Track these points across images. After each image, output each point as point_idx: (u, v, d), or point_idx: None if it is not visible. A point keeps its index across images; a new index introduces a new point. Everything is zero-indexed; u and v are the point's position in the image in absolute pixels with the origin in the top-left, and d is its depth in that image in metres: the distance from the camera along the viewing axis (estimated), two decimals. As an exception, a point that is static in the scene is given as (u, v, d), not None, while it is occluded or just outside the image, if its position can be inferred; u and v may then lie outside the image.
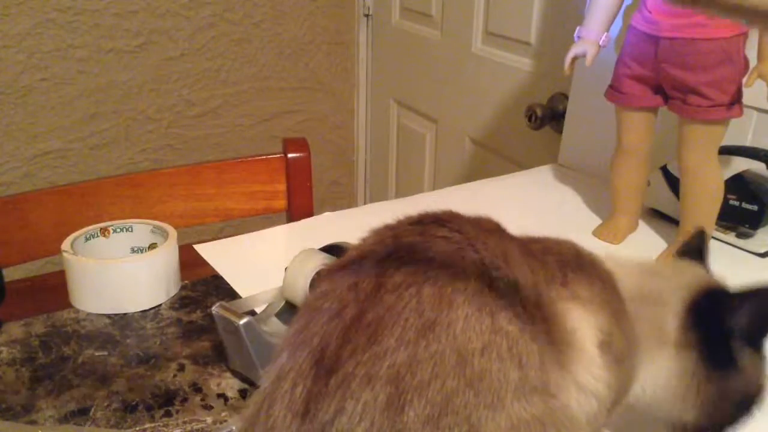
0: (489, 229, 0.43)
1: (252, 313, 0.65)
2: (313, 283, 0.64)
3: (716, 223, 0.85)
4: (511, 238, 0.44)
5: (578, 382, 0.40)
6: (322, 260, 0.65)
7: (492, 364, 0.34)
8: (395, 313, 0.35)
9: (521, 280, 0.39)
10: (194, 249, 0.86)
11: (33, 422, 0.57)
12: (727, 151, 0.88)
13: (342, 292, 0.37)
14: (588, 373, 0.41)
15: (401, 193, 1.93)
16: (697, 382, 0.46)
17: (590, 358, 0.41)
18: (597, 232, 0.92)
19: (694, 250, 0.55)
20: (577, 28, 0.89)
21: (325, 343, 0.35)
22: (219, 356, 0.65)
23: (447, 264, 0.37)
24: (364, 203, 2.09)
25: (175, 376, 0.63)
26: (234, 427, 0.56)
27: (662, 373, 0.46)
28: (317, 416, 0.33)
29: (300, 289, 0.64)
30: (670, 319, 0.47)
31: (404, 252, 0.38)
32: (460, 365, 0.34)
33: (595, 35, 0.87)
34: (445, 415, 0.33)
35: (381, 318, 0.35)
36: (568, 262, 0.44)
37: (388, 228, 0.42)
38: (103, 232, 0.79)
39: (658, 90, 0.84)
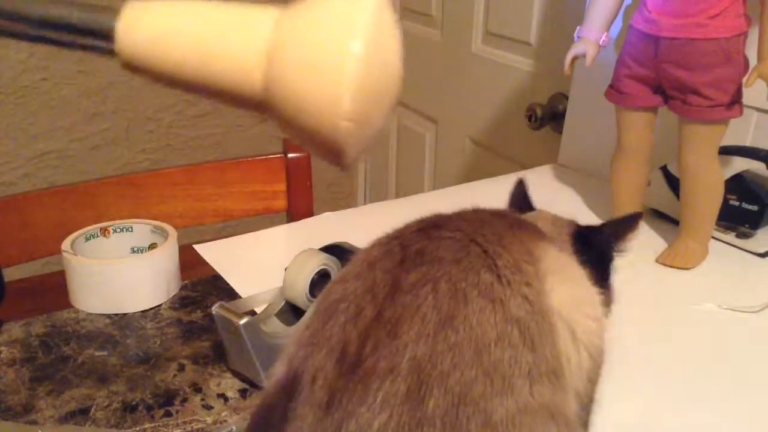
0: (477, 219, 0.45)
1: (252, 313, 0.65)
2: (314, 283, 0.64)
3: (716, 223, 0.85)
4: (493, 218, 0.46)
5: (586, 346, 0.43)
6: (322, 260, 0.65)
7: (505, 353, 0.36)
8: (413, 309, 0.37)
9: (518, 257, 0.41)
10: (194, 249, 0.86)
11: (33, 422, 0.57)
12: (727, 151, 0.88)
13: (358, 295, 0.39)
14: (590, 343, 0.43)
15: (401, 193, 1.93)
16: None
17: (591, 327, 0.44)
18: (597, 232, 0.92)
19: (519, 198, 0.60)
20: (577, 28, 0.89)
21: (346, 341, 0.36)
22: (219, 356, 0.65)
23: (456, 261, 0.39)
24: (364, 203, 2.09)
25: (175, 376, 0.63)
26: (234, 427, 0.56)
27: None
28: (339, 408, 0.34)
29: (300, 289, 0.64)
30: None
31: (415, 256, 0.40)
32: (477, 355, 0.35)
33: (595, 35, 0.87)
34: (463, 405, 0.34)
35: (400, 315, 0.36)
36: (534, 232, 0.47)
37: (392, 237, 0.43)
38: (103, 232, 0.79)
39: (658, 90, 0.84)
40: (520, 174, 1.17)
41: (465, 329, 0.36)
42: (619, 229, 0.52)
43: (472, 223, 0.44)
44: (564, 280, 0.43)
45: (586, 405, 0.44)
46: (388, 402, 0.34)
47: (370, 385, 0.34)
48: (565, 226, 0.53)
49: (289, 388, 0.37)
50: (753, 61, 0.78)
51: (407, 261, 0.40)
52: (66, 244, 0.74)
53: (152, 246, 0.79)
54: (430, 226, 0.44)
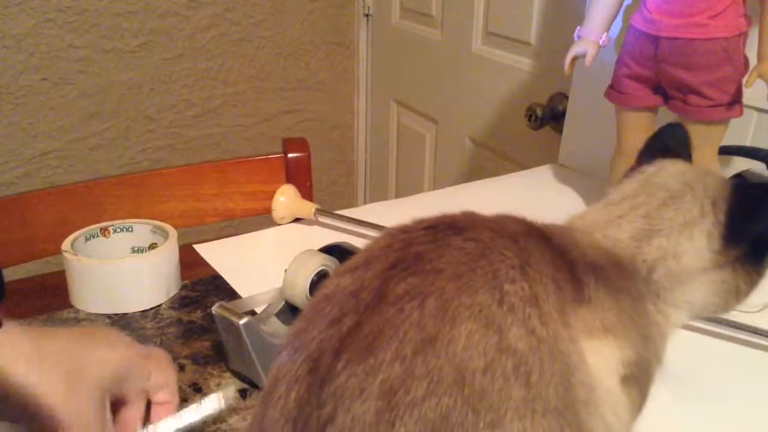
0: (512, 234, 0.40)
1: (252, 313, 0.65)
2: (314, 284, 0.64)
3: (716, 223, 0.85)
4: (542, 243, 0.41)
5: (605, 422, 0.39)
6: (322, 261, 0.65)
7: (494, 383, 0.33)
8: (394, 325, 0.34)
9: (542, 294, 0.37)
10: (194, 249, 0.86)
11: (33, 422, 0.57)
12: (727, 151, 0.88)
13: (344, 297, 0.36)
14: (612, 414, 0.40)
15: (401, 193, 1.93)
16: (736, 278, 0.46)
17: (612, 398, 0.40)
18: (597, 232, 0.92)
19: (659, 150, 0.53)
20: (577, 28, 0.89)
21: (321, 351, 0.35)
22: (219, 356, 0.65)
23: (456, 276, 0.36)
24: (364, 203, 2.09)
25: (175, 376, 0.63)
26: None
27: (706, 288, 0.47)
28: (308, 424, 0.33)
29: (300, 290, 0.64)
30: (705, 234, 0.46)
31: (411, 261, 0.37)
32: (459, 384, 0.33)
33: (595, 35, 0.87)
34: None
35: (379, 330, 0.34)
36: (594, 270, 0.42)
37: (401, 231, 0.40)
38: (103, 232, 0.79)
39: (658, 90, 0.84)
40: (520, 174, 1.17)
41: (447, 354, 0.33)
42: None
43: (501, 237, 0.39)
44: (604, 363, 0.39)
45: None
46: (356, 425, 0.32)
47: (339, 404, 0.33)
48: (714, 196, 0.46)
49: (269, 391, 0.36)
50: (753, 61, 0.78)
51: (400, 266, 0.37)
52: (66, 244, 0.74)
53: (152, 246, 0.79)
54: (445, 227, 0.40)
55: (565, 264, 0.41)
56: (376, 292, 0.36)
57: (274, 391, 0.36)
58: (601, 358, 0.40)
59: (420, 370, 0.33)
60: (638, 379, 0.43)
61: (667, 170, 0.49)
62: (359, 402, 0.32)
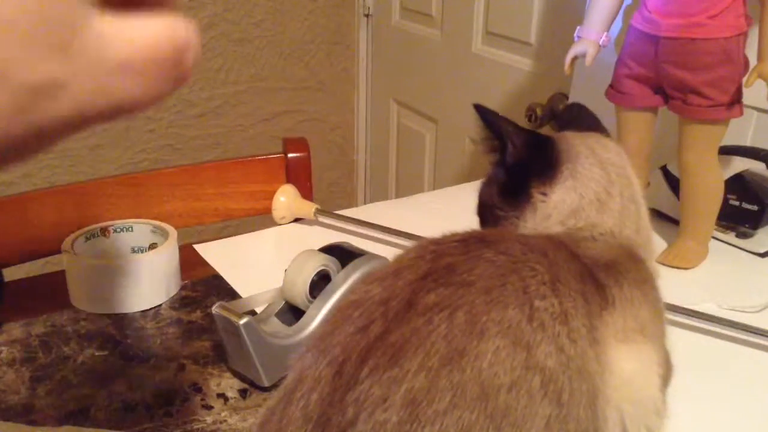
0: (542, 250, 0.40)
1: (252, 313, 0.65)
2: (313, 284, 0.64)
3: (716, 223, 0.85)
4: (567, 254, 0.42)
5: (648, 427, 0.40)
6: (322, 261, 0.65)
7: (519, 401, 0.33)
8: (422, 336, 0.34)
9: (571, 310, 0.37)
10: (194, 249, 0.86)
11: (33, 422, 0.57)
12: (727, 151, 0.88)
13: (373, 304, 0.36)
14: (644, 429, 0.40)
15: (401, 193, 1.93)
16: None
17: (647, 409, 0.41)
18: (597, 232, 0.92)
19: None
20: (577, 28, 0.89)
21: (347, 356, 0.35)
22: (219, 356, 0.65)
23: (486, 290, 0.36)
24: (364, 203, 2.09)
25: (175, 376, 0.63)
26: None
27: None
28: (328, 426, 0.33)
29: (300, 290, 0.64)
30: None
31: (443, 272, 0.37)
32: (482, 399, 0.33)
33: (595, 35, 0.87)
34: None
35: (406, 340, 0.34)
36: (612, 269, 0.43)
37: (432, 242, 0.40)
38: (103, 232, 0.79)
39: (658, 90, 0.84)
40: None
41: (473, 369, 0.33)
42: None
43: (532, 253, 0.39)
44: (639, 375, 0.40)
45: None
46: (378, 430, 0.32)
47: (361, 410, 0.33)
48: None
49: (291, 390, 0.36)
50: (753, 61, 0.78)
51: (430, 277, 0.37)
52: (66, 244, 0.74)
53: (152, 246, 0.79)
54: (476, 240, 0.40)
55: (589, 274, 0.41)
56: (406, 301, 0.36)
57: (296, 390, 0.36)
58: (641, 364, 0.40)
59: (444, 383, 0.33)
60: (668, 375, 0.44)
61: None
62: (381, 410, 0.32)
